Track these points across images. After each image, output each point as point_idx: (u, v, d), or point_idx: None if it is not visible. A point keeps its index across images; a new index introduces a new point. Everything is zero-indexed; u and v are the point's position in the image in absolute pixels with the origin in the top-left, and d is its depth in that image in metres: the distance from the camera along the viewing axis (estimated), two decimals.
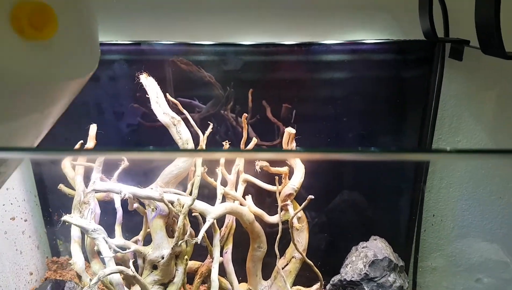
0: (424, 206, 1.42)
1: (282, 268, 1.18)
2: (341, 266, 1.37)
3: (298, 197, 1.17)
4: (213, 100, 1.46)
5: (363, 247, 1.27)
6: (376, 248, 1.24)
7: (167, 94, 1.11)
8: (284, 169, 1.14)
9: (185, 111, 1.12)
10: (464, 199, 1.45)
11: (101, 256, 0.95)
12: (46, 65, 0.34)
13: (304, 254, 1.16)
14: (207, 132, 1.11)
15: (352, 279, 1.20)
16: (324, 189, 1.46)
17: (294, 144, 1.16)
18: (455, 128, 1.39)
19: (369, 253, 1.22)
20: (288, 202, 1.12)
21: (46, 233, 1.40)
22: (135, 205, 1.04)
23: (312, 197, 0.98)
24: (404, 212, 1.43)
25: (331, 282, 1.28)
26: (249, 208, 1.12)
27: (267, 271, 1.25)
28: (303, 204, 1.01)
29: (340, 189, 1.45)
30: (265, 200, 1.38)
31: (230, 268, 1.08)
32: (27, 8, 0.31)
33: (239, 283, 1.35)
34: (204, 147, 1.08)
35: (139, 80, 1.11)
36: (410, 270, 1.43)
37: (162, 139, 1.31)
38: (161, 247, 1.01)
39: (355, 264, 1.23)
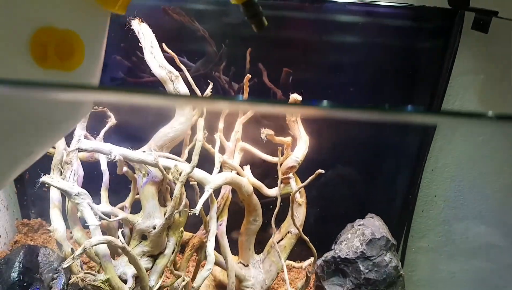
0: (420, 186, 1.40)
1: (277, 243, 1.14)
2: (331, 242, 1.34)
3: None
4: (204, 58, 1.34)
5: (359, 225, 1.24)
6: (373, 226, 1.21)
7: (164, 44, 1.00)
8: (288, 139, 1.07)
9: (183, 67, 1.01)
10: (458, 181, 1.44)
11: (85, 224, 0.86)
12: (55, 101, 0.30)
13: (301, 229, 1.11)
14: (207, 92, 1.01)
15: (347, 256, 1.17)
16: (319, 162, 1.40)
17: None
18: (459, 106, 1.35)
19: (366, 231, 1.19)
20: (290, 175, 1.06)
21: (16, 193, 1.29)
22: (125, 168, 0.94)
23: (322, 171, 0.92)
24: (400, 190, 1.41)
25: (323, 258, 1.25)
26: (248, 179, 1.05)
27: (258, 246, 1.20)
28: (310, 177, 0.95)
29: (335, 163, 1.40)
30: (261, 172, 1.32)
31: (225, 241, 1.02)
32: (55, 34, 0.28)
33: None
34: (204, 109, 0.99)
35: (130, 26, 0.97)
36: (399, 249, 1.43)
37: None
38: (152, 217, 0.93)
39: (351, 241, 1.20)
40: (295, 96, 1.07)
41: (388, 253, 1.18)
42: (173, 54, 1.01)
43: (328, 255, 1.24)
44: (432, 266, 1.43)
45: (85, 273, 0.84)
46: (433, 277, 1.43)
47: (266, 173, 1.30)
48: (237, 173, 1.05)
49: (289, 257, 1.19)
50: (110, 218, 0.91)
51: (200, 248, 1.04)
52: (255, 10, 0.41)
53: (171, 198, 1.00)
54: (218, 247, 1.07)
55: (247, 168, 1.10)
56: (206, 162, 1.06)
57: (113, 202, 1.01)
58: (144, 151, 0.92)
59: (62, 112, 0.33)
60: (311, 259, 1.25)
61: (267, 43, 1.26)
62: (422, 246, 1.42)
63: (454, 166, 1.41)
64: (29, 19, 0.28)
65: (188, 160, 1.00)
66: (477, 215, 1.43)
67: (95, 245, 0.81)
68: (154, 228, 0.91)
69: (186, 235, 1.06)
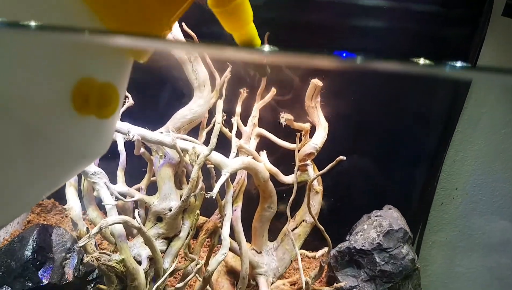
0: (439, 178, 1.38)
1: (292, 231, 1.13)
2: (344, 232, 1.33)
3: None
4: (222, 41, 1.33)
5: (376, 216, 1.22)
6: (391, 218, 1.20)
7: (184, 24, 0.98)
8: (307, 126, 1.05)
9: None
10: (477, 174, 1.41)
11: (101, 203, 0.86)
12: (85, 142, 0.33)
13: (316, 218, 1.10)
14: (226, 75, 1.00)
15: (363, 247, 1.16)
16: (335, 151, 1.39)
17: (319, 98, 1.07)
18: (483, 98, 1.32)
19: (384, 222, 1.18)
20: (308, 162, 1.05)
21: None
22: (142, 150, 0.94)
23: (343, 158, 0.90)
24: (418, 182, 1.39)
25: (337, 248, 1.24)
26: (265, 164, 1.05)
27: (271, 234, 1.20)
28: (331, 164, 0.94)
29: (352, 152, 1.38)
30: (276, 159, 1.31)
31: (239, 227, 1.02)
32: (96, 86, 0.30)
33: None
34: (223, 91, 0.98)
35: None
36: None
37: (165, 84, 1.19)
38: (168, 199, 0.93)
39: (367, 232, 1.19)
40: (316, 81, 1.05)
41: (405, 245, 1.17)
42: (193, 34, 0.99)
43: (343, 245, 1.23)
44: (447, 261, 1.41)
45: (99, 252, 0.84)
46: (448, 272, 1.41)
47: (281, 159, 1.29)
48: (254, 158, 1.05)
49: (302, 245, 1.18)
50: (126, 198, 0.91)
51: (214, 233, 1.03)
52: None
53: (187, 181, 1.00)
54: (232, 233, 1.06)
55: (264, 153, 1.10)
56: (221, 146, 1.05)
57: (128, 184, 1.01)
58: (161, 133, 0.91)
59: (93, 145, 0.35)
60: (325, 249, 1.24)
61: (287, 27, 1.23)
62: (438, 240, 1.41)
63: (474, 159, 1.39)
64: (73, 70, 0.30)
65: (205, 143, 0.99)
66: (495, 210, 1.41)
67: (112, 224, 0.81)
68: (170, 210, 0.91)
69: (200, 219, 1.06)
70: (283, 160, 1.22)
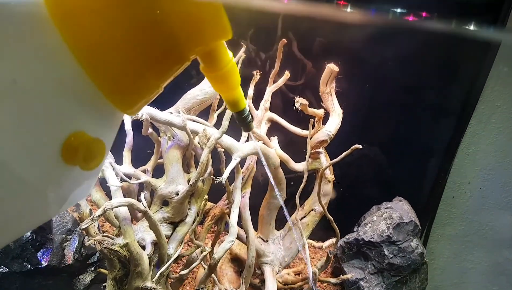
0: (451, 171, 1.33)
1: (300, 219, 1.08)
2: (351, 224, 1.29)
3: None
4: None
5: (386, 208, 1.18)
6: (401, 210, 1.16)
7: None
8: (320, 112, 1.00)
9: None
10: (488, 169, 1.37)
11: (106, 185, 0.81)
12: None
13: (326, 208, 1.06)
14: (240, 55, 0.95)
15: (372, 239, 1.12)
16: (346, 140, 1.34)
17: (334, 84, 1.02)
18: (498, 91, 1.27)
19: (394, 214, 1.14)
20: (321, 149, 1.00)
21: None
22: (150, 130, 0.89)
23: (360, 146, 0.85)
24: (429, 175, 1.34)
25: (344, 239, 1.20)
26: (276, 151, 0.99)
27: (278, 222, 1.15)
28: (345, 153, 0.89)
29: (362, 142, 1.33)
30: (286, 145, 1.26)
31: (247, 214, 0.97)
32: (86, 140, 0.31)
33: None
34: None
35: None
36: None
37: None
38: (176, 182, 0.88)
39: (376, 224, 1.15)
40: (332, 66, 1.00)
41: (415, 239, 1.12)
42: None
43: (351, 236, 1.19)
44: (453, 256, 1.37)
45: (102, 236, 0.80)
46: (455, 266, 1.38)
47: (292, 146, 1.24)
48: (265, 144, 0.99)
49: (308, 236, 1.14)
50: (131, 180, 0.86)
51: (221, 219, 0.99)
52: (245, 118, 0.48)
53: (195, 165, 0.95)
54: (239, 220, 1.02)
55: (275, 139, 1.04)
56: (231, 130, 1.00)
57: (134, 165, 0.96)
58: (171, 113, 0.86)
59: (72, 193, 0.36)
60: (333, 240, 1.20)
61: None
62: (446, 233, 1.37)
63: (486, 153, 1.34)
64: (68, 124, 0.31)
65: (216, 126, 0.94)
66: (505, 205, 1.37)
67: (117, 206, 0.76)
68: (177, 194, 0.86)
69: (208, 205, 1.02)
70: (294, 146, 1.17)
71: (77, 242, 1.06)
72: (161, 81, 0.36)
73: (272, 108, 1.10)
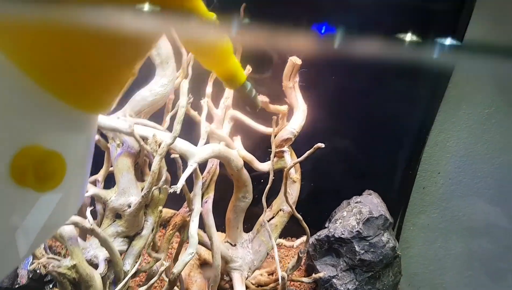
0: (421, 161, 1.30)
1: (268, 221, 1.02)
2: (325, 218, 1.24)
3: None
4: None
5: (356, 202, 1.13)
6: (371, 204, 1.11)
7: None
8: (284, 108, 0.93)
9: None
10: (459, 156, 1.34)
11: None
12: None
13: (294, 207, 1.00)
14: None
15: (342, 236, 1.07)
16: (314, 133, 1.29)
17: (297, 78, 0.95)
18: (467, 77, 1.23)
19: (363, 209, 1.09)
20: (285, 148, 0.93)
21: None
22: (96, 137, 0.80)
23: (322, 145, 0.79)
24: (400, 165, 1.30)
25: (316, 236, 1.15)
26: (238, 152, 0.93)
27: (248, 221, 1.09)
28: (308, 152, 0.82)
29: (332, 135, 1.28)
30: (252, 143, 1.19)
31: (210, 220, 0.90)
32: (37, 154, 0.27)
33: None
34: (189, 70, 0.84)
35: None
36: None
37: None
38: (127, 193, 0.80)
39: (346, 220, 1.10)
40: (294, 59, 0.93)
41: (386, 233, 1.08)
42: None
43: (322, 233, 1.14)
44: (428, 244, 1.35)
45: (48, 258, 0.72)
46: (429, 255, 1.35)
47: (259, 144, 1.18)
48: (226, 145, 0.92)
49: (280, 234, 1.09)
50: None
51: (183, 227, 0.92)
52: (249, 94, 0.41)
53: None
54: (203, 227, 0.95)
55: (238, 139, 0.97)
56: (191, 131, 0.92)
57: None
58: (118, 118, 0.78)
59: (32, 219, 0.31)
60: (304, 238, 1.15)
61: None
62: (419, 222, 1.34)
63: (456, 140, 1.31)
64: (15, 138, 0.28)
65: (170, 128, 0.86)
66: (477, 191, 1.34)
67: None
68: (129, 206, 0.79)
69: (168, 212, 0.94)
70: (262, 144, 1.10)
71: (31, 260, 0.97)
72: (133, 67, 0.33)
73: (237, 105, 1.02)
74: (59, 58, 0.28)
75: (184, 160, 0.80)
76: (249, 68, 0.97)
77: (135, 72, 0.34)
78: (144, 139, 0.77)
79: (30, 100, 0.27)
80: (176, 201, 0.96)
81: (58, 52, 0.28)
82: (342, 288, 1.06)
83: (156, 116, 0.88)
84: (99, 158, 0.92)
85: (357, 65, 1.15)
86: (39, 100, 0.28)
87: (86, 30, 0.28)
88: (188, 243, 1.09)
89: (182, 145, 0.78)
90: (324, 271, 1.09)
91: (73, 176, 0.33)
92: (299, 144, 0.99)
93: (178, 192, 0.73)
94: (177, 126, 0.73)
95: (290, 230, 1.18)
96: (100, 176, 0.86)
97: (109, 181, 0.89)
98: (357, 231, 1.06)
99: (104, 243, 0.73)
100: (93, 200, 0.87)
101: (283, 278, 0.94)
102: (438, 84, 1.18)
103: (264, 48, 1.19)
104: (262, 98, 0.84)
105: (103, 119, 0.75)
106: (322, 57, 1.08)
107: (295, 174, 0.93)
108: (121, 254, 0.81)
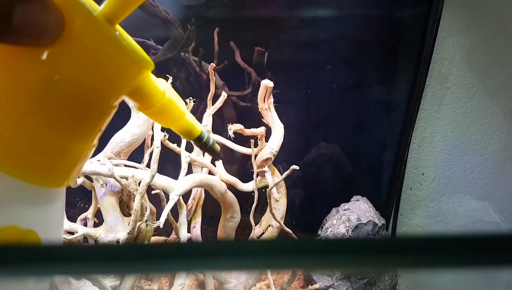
0: (408, 160, 1.31)
1: (258, 237, 1.05)
2: (317, 226, 1.26)
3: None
4: (170, 40, 1.22)
5: (345, 209, 1.15)
6: (359, 210, 1.13)
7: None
8: (261, 130, 0.96)
9: None
10: (447, 150, 1.35)
11: None
12: None
13: (282, 222, 1.03)
14: (168, 83, 0.89)
15: None
16: (300, 142, 1.31)
17: (271, 99, 0.97)
18: (446, 73, 1.24)
19: (352, 216, 1.11)
20: (266, 168, 0.96)
21: None
22: (80, 180, 0.84)
23: (296, 167, 0.82)
24: (386, 167, 1.32)
25: None
26: (220, 176, 0.95)
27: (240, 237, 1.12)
28: (285, 174, 0.85)
29: (318, 142, 1.30)
30: (237, 165, 1.22)
31: None
32: (18, 233, 0.30)
33: None
34: None
35: None
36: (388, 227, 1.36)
37: None
38: (115, 230, 0.83)
39: (336, 228, 1.12)
40: (266, 82, 0.95)
41: (376, 237, 1.10)
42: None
43: None
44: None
45: None
46: None
47: (244, 164, 1.21)
48: (208, 171, 0.95)
49: None
50: (70, 235, 0.82)
51: None
52: (206, 143, 0.44)
53: None
54: None
55: (219, 163, 1.00)
56: (175, 161, 0.96)
57: (76, 213, 0.92)
58: (98, 160, 0.81)
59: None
60: None
61: (238, 22, 1.13)
62: (410, 223, 1.35)
63: (443, 135, 1.32)
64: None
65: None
66: (468, 184, 1.35)
67: None
68: (118, 242, 0.82)
69: (159, 240, 0.98)
70: (246, 164, 1.13)
71: None
72: (88, 141, 0.33)
73: (219, 129, 1.05)
74: (17, 134, 0.29)
75: (167, 193, 0.83)
76: (224, 95, 1.00)
77: (95, 143, 0.35)
78: (126, 178, 0.81)
79: (2, 187, 0.29)
80: (167, 229, 1.00)
81: (15, 129, 0.29)
82: None
83: (137, 152, 0.91)
84: (88, 195, 0.96)
85: (333, 74, 1.17)
86: (10, 185, 0.29)
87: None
88: None
89: (162, 181, 0.81)
90: (320, 282, 1.11)
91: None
92: (288, 151, 1.02)
93: (161, 226, 0.76)
94: (153, 166, 0.76)
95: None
96: (89, 213, 0.90)
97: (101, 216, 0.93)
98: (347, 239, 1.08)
99: (95, 281, 0.77)
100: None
101: None
102: (415, 83, 1.20)
103: (243, 67, 1.22)
104: (234, 128, 0.87)
105: (85, 165, 0.78)
106: (298, 69, 1.11)
107: (277, 194, 0.96)
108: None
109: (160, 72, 0.89)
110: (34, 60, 0.28)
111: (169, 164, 1.00)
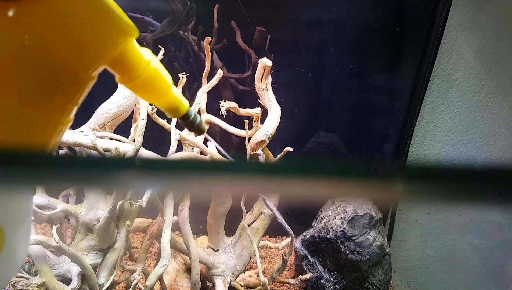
0: (409, 153, 1.25)
1: (249, 225, 1.00)
2: (312, 217, 1.21)
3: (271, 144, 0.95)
4: (169, 17, 1.16)
5: (341, 201, 1.10)
6: (356, 202, 1.07)
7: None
8: (256, 111, 0.90)
9: None
10: (451, 145, 1.29)
11: None
12: None
13: (276, 210, 0.97)
14: (158, 57, 0.84)
15: (327, 236, 1.04)
16: (298, 129, 1.25)
17: (269, 79, 0.91)
18: (454, 64, 1.18)
19: (348, 208, 1.06)
20: (260, 151, 0.90)
21: None
22: (62, 151, 0.78)
23: (290, 149, 0.76)
24: (387, 158, 1.26)
25: (302, 237, 1.12)
26: (212, 157, 0.90)
27: (231, 224, 1.07)
28: (278, 156, 0.79)
29: (318, 130, 1.25)
30: (231, 147, 1.17)
31: (187, 229, 0.88)
32: None
33: (202, 237, 1.17)
34: None
35: None
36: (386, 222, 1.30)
37: None
38: (96, 207, 0.78)
39: (331, 219, 1.07)
40: (264, 61, 0.89)
41: (372, 231, 1.05)
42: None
43: (308, 233, 1.11)
44: (420, 241, 1.30)
45: (17, 276, 0.70)
46: (420, 251, 1.31)
47: (237, 147, 1.15)
48: (200, 151, 0.90)
49: (269, 233, 1.07)
50: (47, 210, 0.77)
51: (161, 236, 0.90)
52: (193, 122, 0.41)
53: None
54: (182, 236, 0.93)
55: (212, 143, 0.95)
56: (165, 139, 0.90)
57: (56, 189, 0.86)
58: (82, 131, 0.76)
59: None
60: (289, 240, 1.12)
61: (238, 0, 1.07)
62: (409, 219, 1.29)
63: (447, 129, 1.26)
64: None
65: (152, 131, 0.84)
66: None
67: None
68: (99, 220, 0.77)
69: (145, 222, 0.93)
70: (240, 147, 1.08)
71: None
72: (63, 116, 0.30)
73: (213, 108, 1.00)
74: None
75: None
76: (220, 72, 0.94)
77: (71, 118, 0.32)
78: (110, 151, 0.75)
79: None
80: (153, 210, 0.95)
81: None
82: (330, 288, 1.03)
83: (126, 126, 0.86)
84: None
85: (338, 59, 1.11)
86: None
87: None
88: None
89: (148, 156, 0.75)
90: (311, 272, 1.06)
91: (13, 241, 0.32)
92: (286, 140, 0.97)
93: (143, 206, 0.71)
94: (138, 139, 0.71)
95: (279, 229, 1.16)
96: (71, 190, 0.85)
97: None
98: (342, 231, 1.03)
99: (74, 258, 0.72)
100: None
101: (264, 284, 0.92)
102: (420, 73, 1.14)
103: (244, 48, 1.16)
104: (227, 105, 0.82)
105: (66, 135, 0.73)
106: (302, 52, 1.05)
107: None
108: (96, 268, 0.79)
109: (156, 49, 0.84)
110: (2, 20, 0.24)
111: (158, 141, 0.95)
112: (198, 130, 0.43)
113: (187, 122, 0.42)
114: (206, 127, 0.43)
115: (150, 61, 0.33)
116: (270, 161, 0.91)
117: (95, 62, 0.29)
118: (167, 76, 0.36)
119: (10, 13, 0.24)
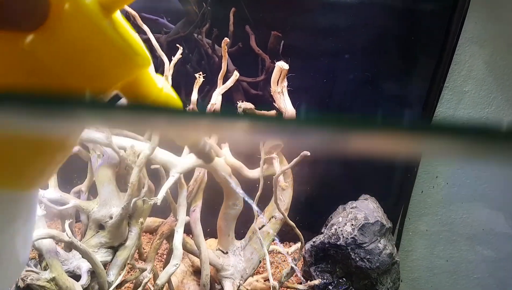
0: (420, 164, 1.23)
1: (260, 229, 0.98)
2: (322, 222, 1.19)
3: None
4: (184, 19, 1.15)
5: (352, 207, 1.08)
6: (367, 209, 1.05)
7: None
8: (272, 114, 0.88)
9: (146, 28, 0.82)
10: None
11: None
12: None
13: (286, 214, 0.95)
14: (175, 59, 0.83)
15: (337, 242, 1.02)
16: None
17: (285, 83, 0.90)
18: (465, 76, 1.16)
19: (359, 215, 1.03)
20: (274, 155, 0.88)
21: None
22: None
23: (308, 153, 0.74)
24: (399, 167, 1.24)
25: (311, 243, 1.10)
26: (225, 159, 0.88)
27: (242, 227, 1.05)
28: (295, 160, 0.78)
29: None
30: (243, 150, 1.15)
31: (198, 230, 0.86)
32: None
33: (209, 240, 1.15)
34: (169, 77, 0.80)
35: None
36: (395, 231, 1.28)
37: None
38: (109, 204, 0.76)
39: (342, 226, 1.04)
40: (281, 64, 0.88)
41: (382, 239, 1.02)
42: (135, 13, 0.81)
43: (317, 239, 1.09)
44: (429, 251, 1.27)
45: (26, 271, 0.68)
46: (429, 261, 1.28)
47: (249, 151, 1.13)
48: (214, 153, 0.88)
49: (278, 238, 1.04)
50: (61, 205, 0.75)
51: (172, 236, 0.88)
52: (202, 149, 0.40)
53: None
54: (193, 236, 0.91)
55: (226, 146, 0.93)
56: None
57: (68, 185, 0.85)
58: (97, 128, 0.74)
59: None
60: (298, 245, 1.10)
61: (255, 3, 1.06)
62: (419, 228, 1.27)
63: None
64: None
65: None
66: (479, 195, 1.27)
67: (35, 240, 0.65)
68: (111, 217, 0.75)
69: (155, 221, 0.91)
70: (252, 151, 1.06)
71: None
72: (66, 142, 0.30)
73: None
74: None
75: (167, 170, 0.76)
76: (236, 74, 0.93)
77: (74, 144, 0.32)
78: (125, 149, 0.74)
79: None
80: (164, 210, 0.93)
81: None
82: None
83: None
84: (83, 167, 0.89)
85: (351, 67, 1.10)
86: None
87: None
88: None
89: (163, 155, 0.74)
90: (320, 278, 1.03)
91: (11, 250, 0.32)
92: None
93: (158, 203, 0.69)
94: (155, 137, 0.69)
95: (288, 234, 1.14)
96: (84, 186, 0.83)
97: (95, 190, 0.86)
98: (352, 237, 1.01)
99: (85, 255, 0.70)
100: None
101: (274, 288, 0.89)
102: (433, 83, 1.12)
103: (258, 53, 1.15)
104: (244, 106, 0.80)
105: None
106: (315, 56, 1.03)
107: (284, 182, 0.89)
108: (105, 265, 0.77)
109: (170, 51, 0.83)
110: (14, 47, 0.24)
111: (172, 144, 0.94)
112: (207, 158, 0.43)
113: (196, 149, 0.42)
114: (214, 156, 0.42)
115: (162, 88, 0.33)
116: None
117: (102, 90, 0.28)
118: (178, 103, 0.36)
119: (25, 42, 0.24)
